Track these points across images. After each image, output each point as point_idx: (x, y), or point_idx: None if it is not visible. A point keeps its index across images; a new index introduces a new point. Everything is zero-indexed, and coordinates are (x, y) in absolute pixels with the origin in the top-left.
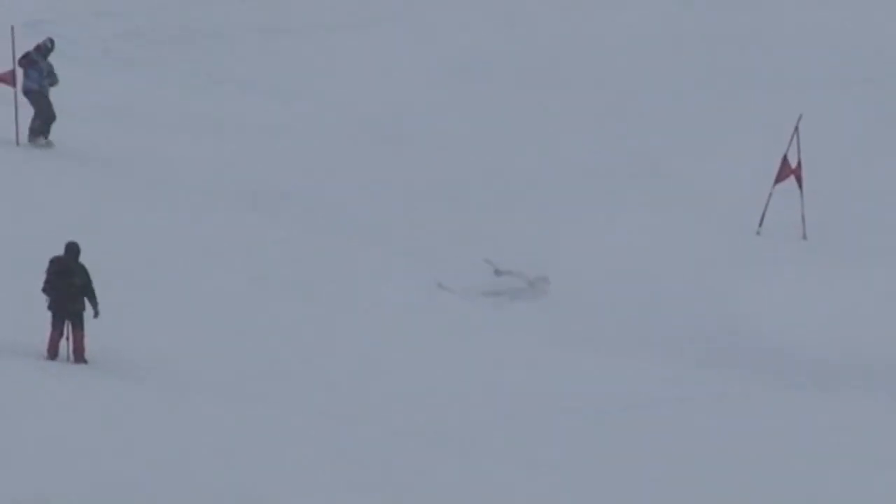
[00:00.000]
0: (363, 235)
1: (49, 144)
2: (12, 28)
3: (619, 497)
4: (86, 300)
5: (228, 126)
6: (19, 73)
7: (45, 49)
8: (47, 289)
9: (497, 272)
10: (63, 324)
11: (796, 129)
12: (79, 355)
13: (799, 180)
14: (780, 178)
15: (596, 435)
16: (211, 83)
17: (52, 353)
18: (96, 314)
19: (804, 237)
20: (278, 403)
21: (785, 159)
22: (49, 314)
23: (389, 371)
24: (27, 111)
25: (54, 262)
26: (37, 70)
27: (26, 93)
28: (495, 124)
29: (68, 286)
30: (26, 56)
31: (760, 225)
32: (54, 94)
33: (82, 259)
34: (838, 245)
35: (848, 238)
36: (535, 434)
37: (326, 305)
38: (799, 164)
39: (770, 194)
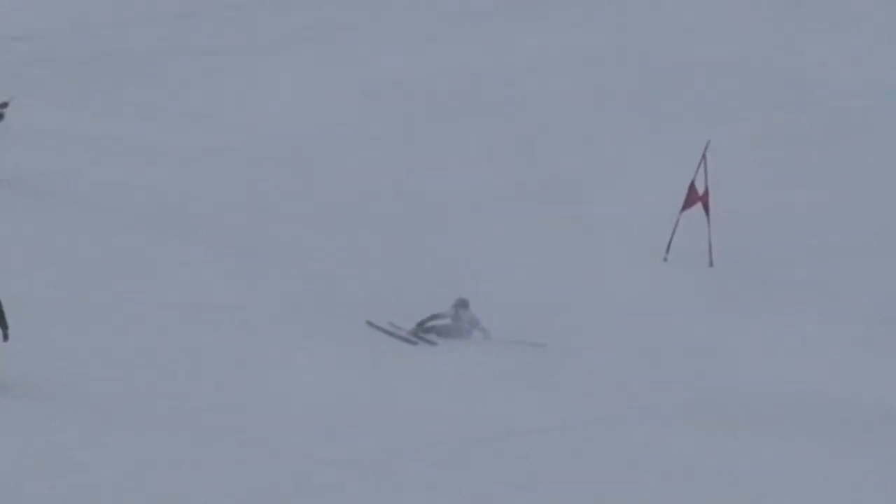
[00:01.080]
0: (277, 261)
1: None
2: None
3: None
4: None
5: (142, 149)
6: None
7: None
8: None
9: (419, 324)
10: None
11: (704, 155)
12: None
13: (706, 207)
14: (687, 205)
15: (510, 465)
16: (125, 107)
17: None
18: (6, 338)
19: (711, 264)
20: (191, 429)
21: (692, 186)
22: None
23: (306, 399)
24: None
25: None
26: None
27: None
28: (408, 150)
29: None
30: None
31: (667, 251)
32: None
33: None
34: (745, 272)
35: (754, 265)
36: (451, 463)
37: (242, 332)
38: (706, 190)
39: (677, 221)
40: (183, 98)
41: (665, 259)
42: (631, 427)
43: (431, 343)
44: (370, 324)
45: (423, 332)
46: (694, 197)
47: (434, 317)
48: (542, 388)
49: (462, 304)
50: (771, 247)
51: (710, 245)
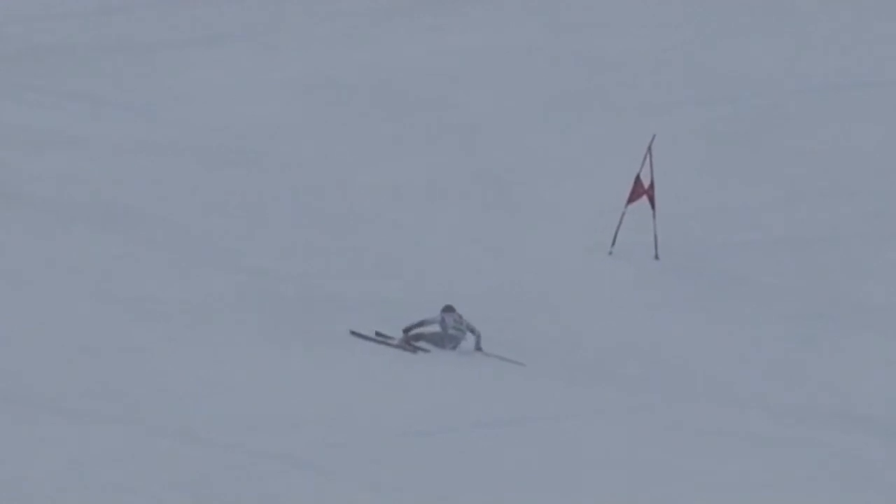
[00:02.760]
0: (218, 256)
1: None
2: None
3: None
4: None
5: (80, 143)
6: None
7: None
8: None
9: (406, 330)
10: None
11: (649, 149)
12: None
13: (651, 200)
14: (632, 199)
15: (449, 459)
16: (63, 100)
17: None
18: None
19: (656, 257)
20: (130, 421)
21: (638, 179)
22: None
23: (248, 394)
24: None
25: None
26: None
27: None
28: (342, 145)
29: None
30: None
31: (613, 245)
32: None
33: None
34: (690, 265)
35: (700, 258)
36: (388, 458)
37: (183, 326)
38: (651, 184)
39: (623, 214)
40: (121, 91)
41: (610, 252)
42: (577, 423)
43: (425, 351)
44: (354, 333)
45: (413, 339)
46: (639, 190)
47: (421, 323)
48: (488, 385)
49: (448, 309)
50: (716, 240)
51: (655, 238)
